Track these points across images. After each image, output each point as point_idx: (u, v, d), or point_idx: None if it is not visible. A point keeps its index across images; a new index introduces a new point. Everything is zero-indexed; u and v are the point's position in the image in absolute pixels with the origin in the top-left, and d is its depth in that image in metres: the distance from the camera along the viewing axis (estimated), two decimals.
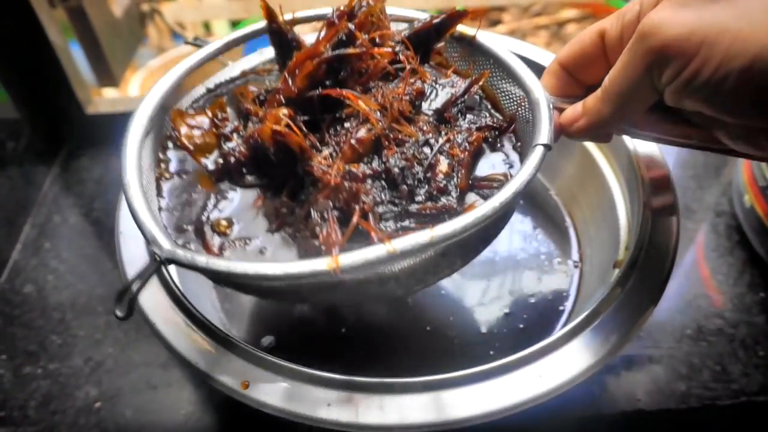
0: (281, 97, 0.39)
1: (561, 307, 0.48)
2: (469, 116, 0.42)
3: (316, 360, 0.39)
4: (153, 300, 0.40)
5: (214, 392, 0.46)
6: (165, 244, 0.33)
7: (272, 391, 0.36)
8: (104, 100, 0.75)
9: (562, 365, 0.36)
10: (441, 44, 0.45)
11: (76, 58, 0.71)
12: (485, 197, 0.37)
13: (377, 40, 0.41)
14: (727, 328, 0.54)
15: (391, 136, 0.38)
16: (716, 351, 0.52)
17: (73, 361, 0.53)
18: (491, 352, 0.45)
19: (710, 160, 0.67)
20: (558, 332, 0.37)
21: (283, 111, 0.37)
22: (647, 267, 0.40)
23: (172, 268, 0.44)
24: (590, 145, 0.52)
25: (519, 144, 0.41)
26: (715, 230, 0.61)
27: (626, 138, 0.47)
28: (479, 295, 0.49)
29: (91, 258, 0.61)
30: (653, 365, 0.52)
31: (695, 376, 0.51)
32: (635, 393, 0.50)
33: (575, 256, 0.51)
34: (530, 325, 0.47)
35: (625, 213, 0.47)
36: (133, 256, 0.42)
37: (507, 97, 0.42)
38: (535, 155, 0.35)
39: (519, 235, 0.53)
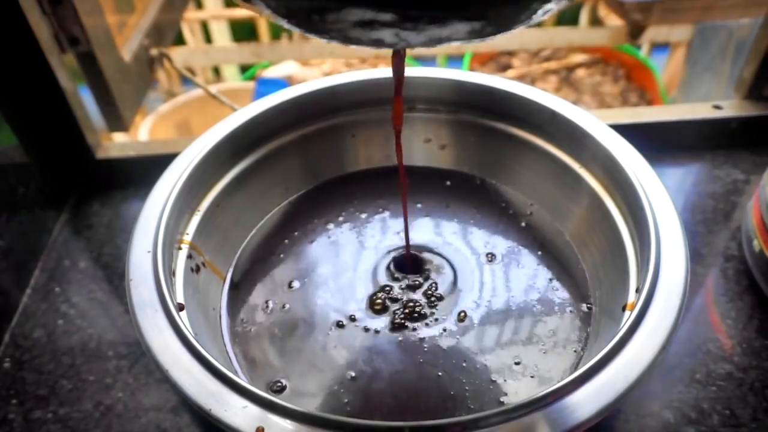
0: None
1: (572, 351, 0.48)
2: None
3: (328, 404, 0.39)
4: (164, 344, 0.40)
5: None
6: None
7: None
8: (114, 144, 0.76)
9: (575, 408, 0.36)
10: None
11: (85, 103, 0.72)
12: None
13: None
14: (737, 373, 0.54)
15: None
16: (725, 395, 0.52)
17: (83, 406, 0.53)
18: (502, 399, 0.45)
19: (720, 205, 0.68)
20: (570, 376, 0.37)
21: None
22: (657, 311, 0.40)
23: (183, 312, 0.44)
24: (598, 187, 0.52)
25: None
26: (725, 275, 0.61)
27: (635, 179, 0.47)
28: (491, 342, 0.49)
29: (101, 302, 0.61)
30: (663, 410, 0.51)
31: (704, 421, 0.51)
32: None
33: (587, 298, 0.51)
34: (542, 372, 0.47)
35: (634, 255, 0.47)
36: (144, 301, 0.42)
37: None
38: None
39: (532, 277, 0.53)
